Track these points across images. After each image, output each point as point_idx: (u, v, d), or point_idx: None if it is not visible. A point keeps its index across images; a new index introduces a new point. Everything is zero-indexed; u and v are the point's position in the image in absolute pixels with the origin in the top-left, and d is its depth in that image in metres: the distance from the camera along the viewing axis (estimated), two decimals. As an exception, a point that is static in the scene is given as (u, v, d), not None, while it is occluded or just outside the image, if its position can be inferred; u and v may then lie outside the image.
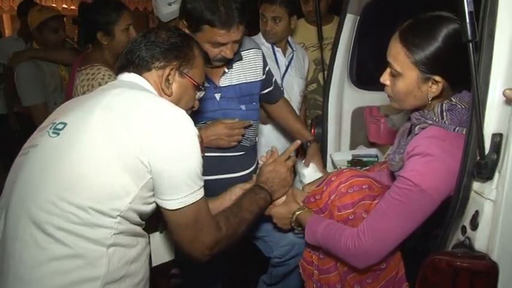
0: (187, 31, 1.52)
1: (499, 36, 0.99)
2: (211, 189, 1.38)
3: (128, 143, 1.06)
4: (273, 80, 1.98)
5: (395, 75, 1.24)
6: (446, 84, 1.20)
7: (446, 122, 1.21)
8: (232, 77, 1.78)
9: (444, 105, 1.23)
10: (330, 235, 1.31)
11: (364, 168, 1.91)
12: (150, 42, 1.25)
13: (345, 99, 2.38)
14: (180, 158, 1.10)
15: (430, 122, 1.23)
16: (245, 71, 1.80)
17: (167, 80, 1.24)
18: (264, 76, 1.88)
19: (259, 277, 2.03)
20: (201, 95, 1.35)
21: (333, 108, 2.33)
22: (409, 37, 1.19)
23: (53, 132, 1.11)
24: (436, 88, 1.20)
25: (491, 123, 1.00)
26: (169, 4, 2.33)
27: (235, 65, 1.78)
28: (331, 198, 1.39)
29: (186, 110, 1.25)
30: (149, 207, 1.16)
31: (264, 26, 2.42)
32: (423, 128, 1.24)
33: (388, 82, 1.28)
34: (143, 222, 1.20)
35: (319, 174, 1.90)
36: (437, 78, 1.19)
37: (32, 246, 1.04)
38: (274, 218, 1.56)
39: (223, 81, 1.76)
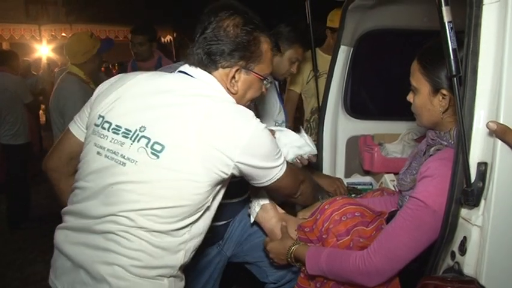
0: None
1: (481, 72, 1.04)
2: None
3: (222, 166, 1.16)
4: None
5: (414, 91, 1.35)
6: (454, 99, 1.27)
7: None
8: None
9: None
10: (335, 259, 1.32)
11: (358, 196, 1.95)
12: (218, 39, 1.25)
13: (340, 128, 2.42)
14: (265, 158, 1.22)
15: (445, 143, 1.30)
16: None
17: (233, 78, 1.28)
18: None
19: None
20: (268, 85, 1.41)
21: (327, 136, 2.37)
22: (424, 56, 1.31)
23: (152, 153, 1.15)
24: (445, 102, 1.28)
25: (476, 153, 1.04)
26: None
27: None
28: (325, 225, 1.42)
29: (251, 100, 1.37)
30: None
31: (292, 68, 2.28)
32: (438, 150, 1.30)
33: (411, 100, 1.38)
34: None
35: None
36: (444, 91, 1.27)
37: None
38: (270, 253, 1.57)
39: None
